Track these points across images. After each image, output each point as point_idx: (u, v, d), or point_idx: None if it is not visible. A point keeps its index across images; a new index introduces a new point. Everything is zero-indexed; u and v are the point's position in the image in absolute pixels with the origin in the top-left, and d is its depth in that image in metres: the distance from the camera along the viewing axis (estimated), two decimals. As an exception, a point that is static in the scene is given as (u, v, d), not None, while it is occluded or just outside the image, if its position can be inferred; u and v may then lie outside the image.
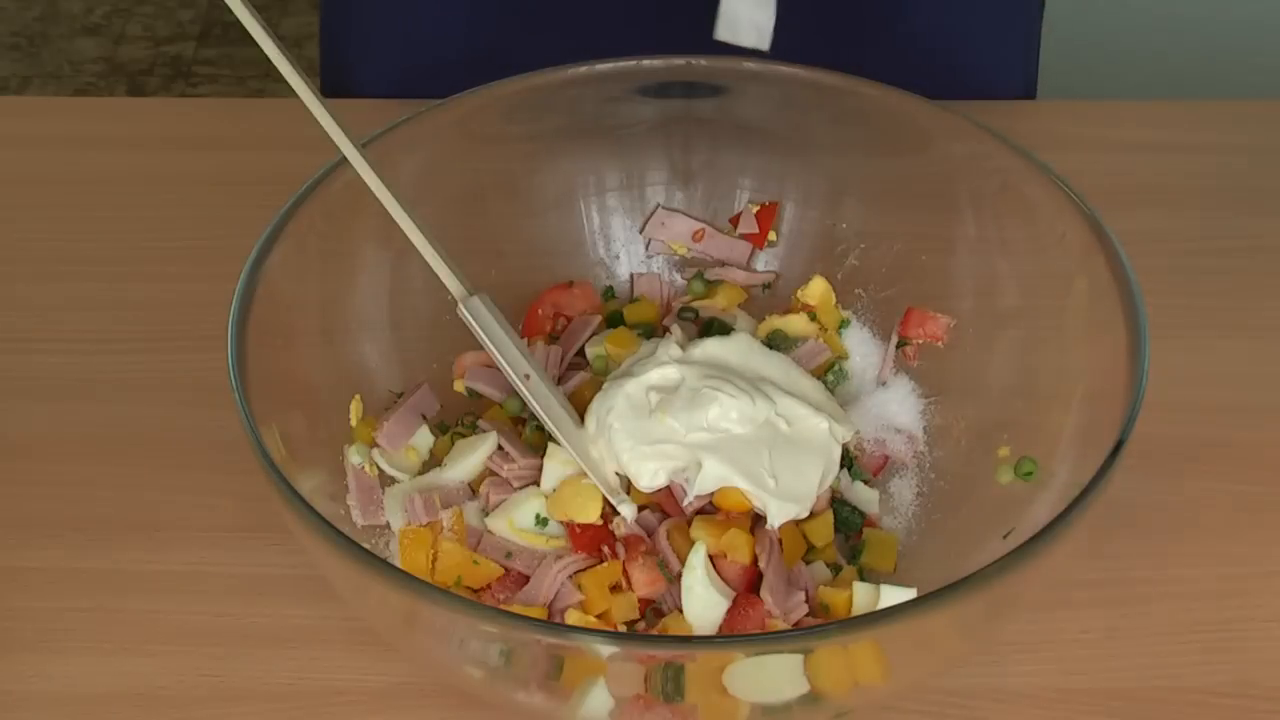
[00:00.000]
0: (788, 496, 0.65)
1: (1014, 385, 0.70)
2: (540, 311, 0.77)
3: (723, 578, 0.64)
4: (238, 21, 0.61)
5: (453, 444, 0.71)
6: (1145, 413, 0.59)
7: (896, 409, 0.73)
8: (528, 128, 0.75)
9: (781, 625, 0.62)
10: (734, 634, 0.62)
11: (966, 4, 0.67)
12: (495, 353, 0.66)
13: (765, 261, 0.79)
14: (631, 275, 0.79)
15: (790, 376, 0.70)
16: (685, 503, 0.65)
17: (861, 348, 0.76)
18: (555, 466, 0.67)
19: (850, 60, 0.74)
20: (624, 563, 0.64)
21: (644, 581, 0.64)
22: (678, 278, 0.79)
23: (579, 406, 0.69)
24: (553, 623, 0.62)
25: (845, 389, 0.74)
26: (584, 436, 0.67)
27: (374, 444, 0.70)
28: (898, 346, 0.74)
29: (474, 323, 0.66)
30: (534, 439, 0.70)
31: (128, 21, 2.57)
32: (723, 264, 0.79)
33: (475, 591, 0.65)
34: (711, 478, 0.64)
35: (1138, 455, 0.59)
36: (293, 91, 0.63)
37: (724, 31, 0.71)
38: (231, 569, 0.71)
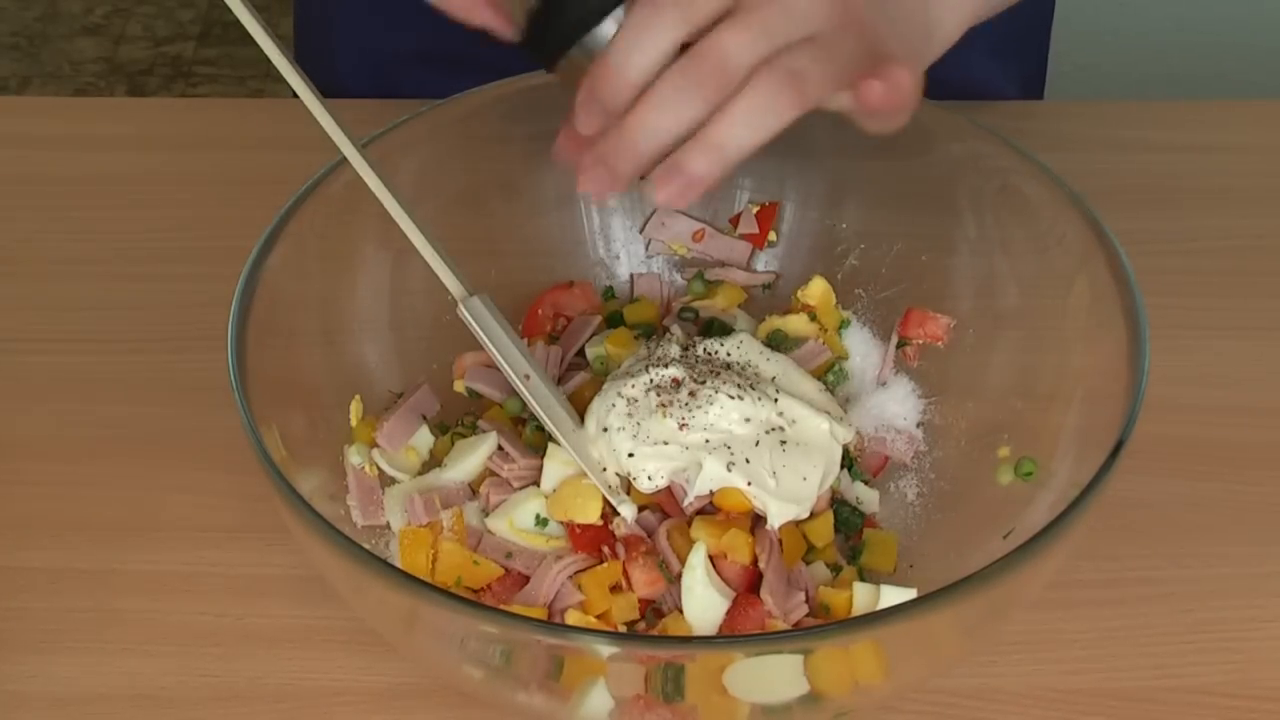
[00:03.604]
0: (788, 497, 0.65)
1: (1014, 385, 0.70)
2: (540, 311, 0.77)
3: (723, 578, 0.64)
4: (238, 21, 0.61)
5: (453, 444, 0.71)
6: (1145, 413, 0.59)
7: (896, 409, 0.73)
8: (528, 128, 0.75)
9: (781, 625, 0.62)
10: (734, 634, 0.62)
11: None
12: (495, 353, 0.66)
13: (765, 261, 0.79)
14: (631, 275, 0.79)
15: (790, 376, 0.70)
16: (685, 503, 0.65)
17: (861, 348, 0.76)
18: (555, 466, 0.67)
19: None
20: (624, 563, 0.64)
21: (644, 581, 0.64)
22: (678, 278, 0.79)
23: (579, 406, 0.69)
24: (553, 623, 0.62)
25: (845, 389, 0.74)
26: (584, 437, 0.67)
27: (374, 444, 0.70)
28: (898, 346, 0.74)
29: (474, 323, 0.66)
30: (534, 439, 0.70)
31: (128, 21, 2.57)
32: (723, 264, 0.79)
33: (475, 591, 0.65)
34: (711, 478, 0.64)
35: (1138, 455, 0.59)
36: (293, 91, 0.63)
37: None
38: (231, 569, 0.71)
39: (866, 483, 0.71)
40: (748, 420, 0.66)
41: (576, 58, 0.58)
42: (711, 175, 0.56)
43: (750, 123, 0.55)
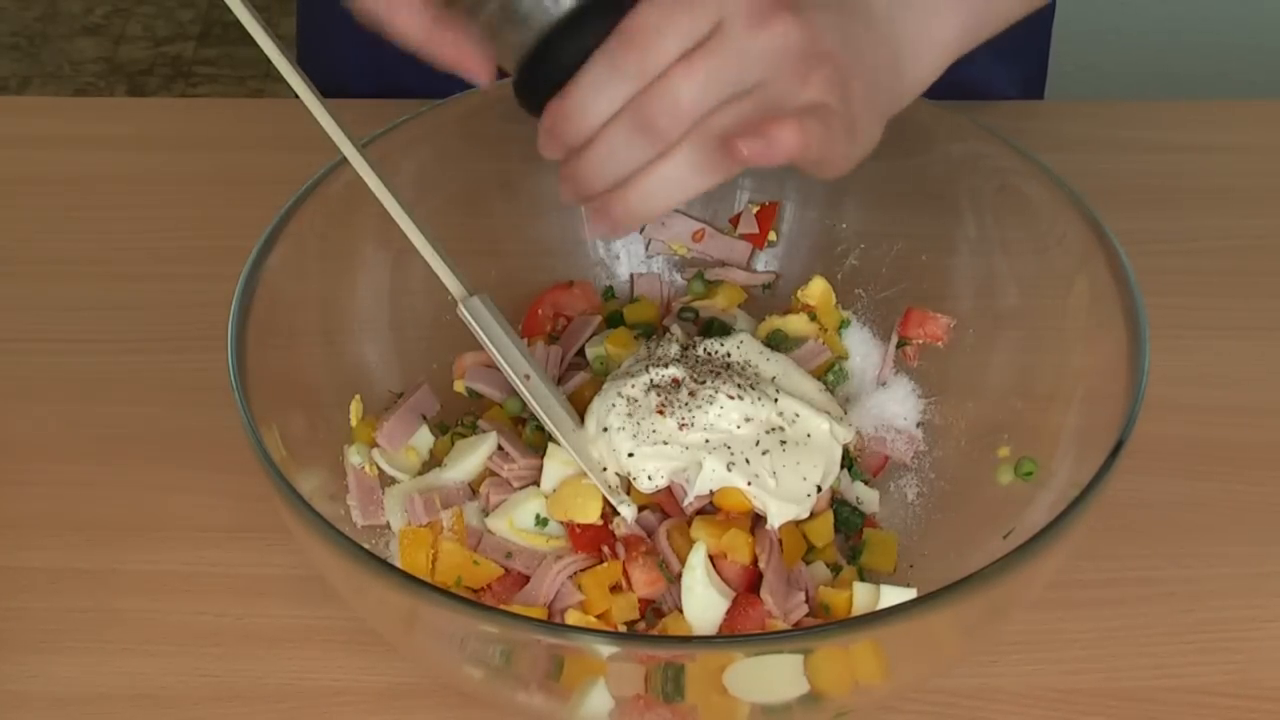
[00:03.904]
0: (788, 497, 0.65)
1: (1014, 385, 0.70)
2: (540, 311, 0.77)
3: (723, 578, 0.64)
4: (238, 21, 0.61)
5: (453, 444, 0.71)
6: (1145, 413, 0.59)
7: (896, 409, 0.73)
8: (528, 128, 0.75)
9: (781, 625, 0.62)
10: (734, 634, 0.62)
11: None
12: (495, 353, 0.66)
13: (765, 261, 0.79)
14: (631, 275, 0.79)
15: (790, 376, 0.70)
16: (685, 503, 0.65)
17: (861, 348, 0.76)
18: (555, 466, 0.67)
19: None
20: (624, 563, 0.64)
21: (644, 581, 0.64)
22: (678, 278, 0.79)
23: (579, 406, 0.69)
24: (553, 623, 0.62)
25: (845, 389, 0.74)
26: (584, 437, 0.67)
27: (374, 444, 0.70)
28: (898, 346, 0.74)
29: (474, 323, 0.66)
30: (534, 439, 0.70)
31: (128, 21, 2.57)
32: (723, 264, 0.79)
33: (475, 591, 0.65)
34: (711, 478, 0.64)
35: (1138, 455, 0.59)
36: (293, 91, 0.63)
37: None
38: (231, 569, 0.71)
39: (866, 483, 0.71)
40: (748, 420, 0.66)
41: None
42: (634, 223, 0.59)
43: (674, 184, 0.57)
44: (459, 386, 0.74)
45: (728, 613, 0.63)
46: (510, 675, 0.59)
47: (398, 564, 0.65)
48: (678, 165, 0.57)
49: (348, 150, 0.64)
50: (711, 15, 0.55)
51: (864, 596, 0.63)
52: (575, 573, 0.64)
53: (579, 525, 0.65)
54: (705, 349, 0.70)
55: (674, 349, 0.70)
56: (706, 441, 0.65)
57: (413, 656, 0.66)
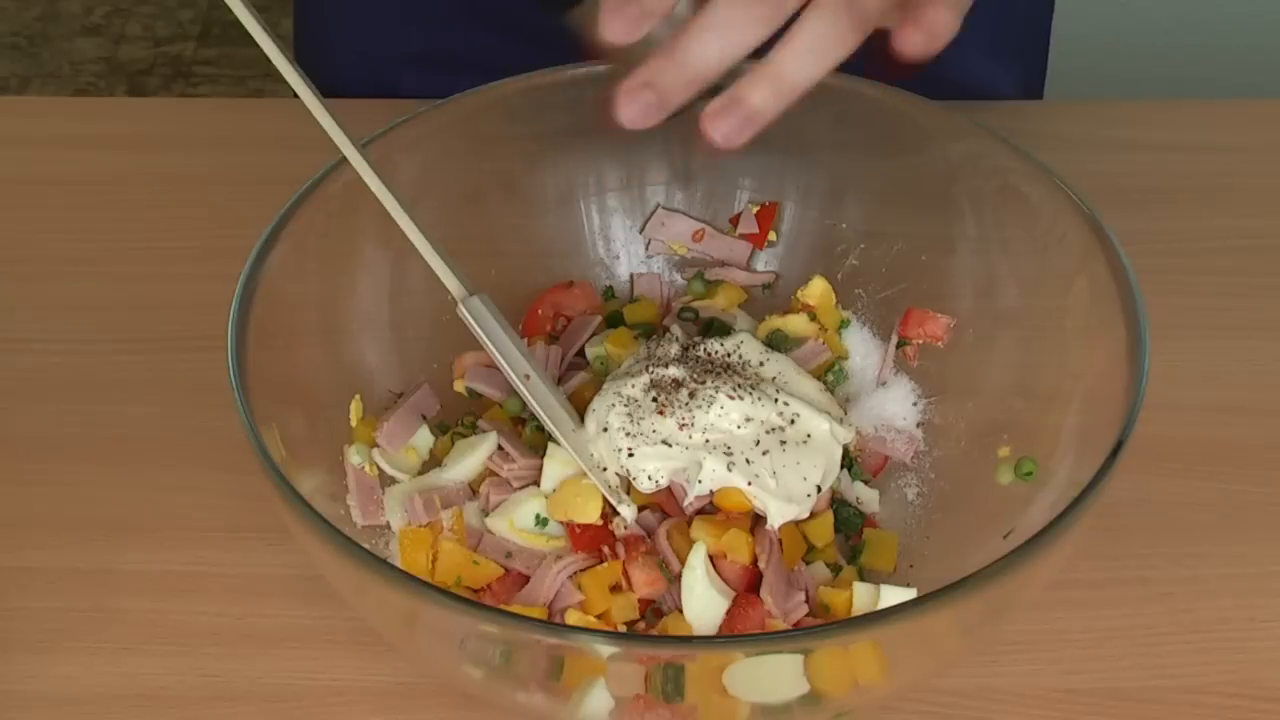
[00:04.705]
0: (788, 497, 0.65)
1: (1014, 385, 0.70)
2: (540, 311, 0.77)
3: (723, 578, 0.64)
4: (238, 21, 0.61)
5: (453, 444, 0.71)
6: (1145, 413, 0.59)
7: (896, 409, 0.73)
8: (528, 128, 0.75)
9: (781, 625, 0.62)
10: (734, 634, 0.62)
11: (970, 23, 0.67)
12: (495, 353, 0.66)
13: (765, 261, 0.79)
14: (631, 275, 0.79)
15: (790, 376, 0.70)
16: (685, 503, 0.65)
17: (861, 348, 0.76)
18: (555, 466, 0.67)
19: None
20: (624, 563, 0.64)
21: (644, 581, 0.64)
22: (678, 278, 0.79)
23: (579, 406, 0.69)
24: (553, 623, 0.62)
25: (845, 389, 0.74)
26: (584, 437, 0.67)
27: (374, 444, 0.70)
28: (898, 346, 0.74)
29: (474, 323, 0.66)
30: (534, 439, 0.70)
31: (128, 21, 2.58)
32: (723, 264, 0.79)
33: (475, 591, 0.65)
34: (711, 478, 0.64)
35: (1138, 455, 0.59)
36: (293, 91, 0.63)
37: None
38: (231, 569, 0.71)
39: (866, 483, 0.71)
40: (748, 420, 0.66)
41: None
42: (772, 109, 0.53)
43: (813, 53, 0.52)
44: (459, 386, 0.74)
45: (728, 613, 0.63)
46: (510, 675, 0.59)
47: (398, 564, 0.65)
48: (816, 31, 0.50)
49: (348, 150, 0.64)
50: None
51: (864, 596, 0.63)
52: (575, 573, 0.64)
53: (579, 525, 0.65)
54: (705, 349, 0.70)
55: (674, 349, 0.70)
56: (706, 441, 0.65)
57: (413, 656, 0.66)
